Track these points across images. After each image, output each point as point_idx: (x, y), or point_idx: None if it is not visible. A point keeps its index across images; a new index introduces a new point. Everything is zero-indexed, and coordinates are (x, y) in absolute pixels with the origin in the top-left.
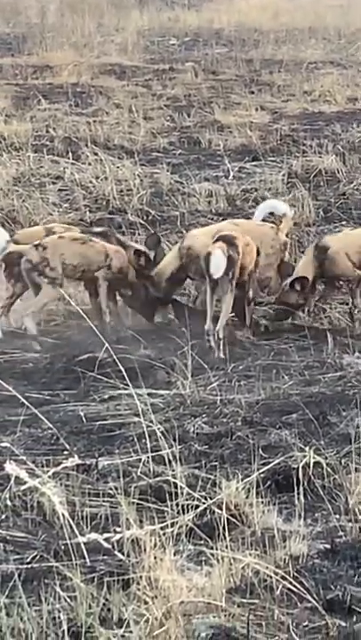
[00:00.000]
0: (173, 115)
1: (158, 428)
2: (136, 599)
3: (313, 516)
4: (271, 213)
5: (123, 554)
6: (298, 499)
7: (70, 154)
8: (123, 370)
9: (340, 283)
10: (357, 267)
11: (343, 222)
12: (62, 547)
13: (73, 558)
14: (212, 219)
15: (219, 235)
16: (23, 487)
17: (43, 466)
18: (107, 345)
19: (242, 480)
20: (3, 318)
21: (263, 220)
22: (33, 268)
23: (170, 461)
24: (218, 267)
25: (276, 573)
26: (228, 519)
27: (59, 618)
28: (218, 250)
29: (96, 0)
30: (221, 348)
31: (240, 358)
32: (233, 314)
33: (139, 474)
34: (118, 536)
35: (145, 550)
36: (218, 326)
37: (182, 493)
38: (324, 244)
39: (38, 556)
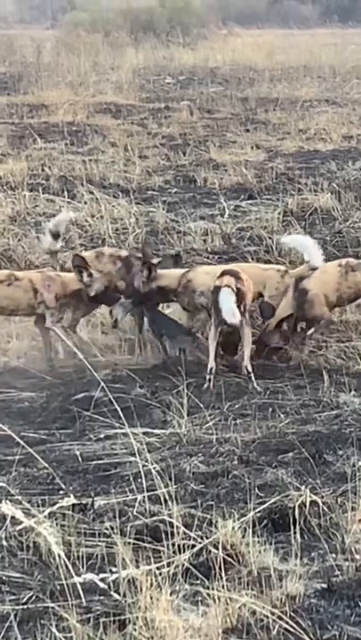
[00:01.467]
0: (169, 153)
1: (154, 468)
2: None
3: (309, 556)
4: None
5: (119, 594)
6: (294, 538)
7: (66, 192)
8: (119, 409)
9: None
10: (336, 304)
11: None
12: (58, 587)
13: (69, 599)
14: (207, 257)
15: (223, 270)
16: (19, 527)
17: (38, 505)
18: (102, 384)
19: (238, 519)
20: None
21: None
22: None
23: (166, 501)
24: (230, 311)
25: (273, 613)
26: (224, 559)
27: None
28: (226, 288)
29: (91, 39)
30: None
31: (236, 397)
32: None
33: (135, 513)
34: (114, 576)
35: (141, 590)
36: (245, 362)
37: (178, 533)
38: (303, 287)
39: (34, 597)
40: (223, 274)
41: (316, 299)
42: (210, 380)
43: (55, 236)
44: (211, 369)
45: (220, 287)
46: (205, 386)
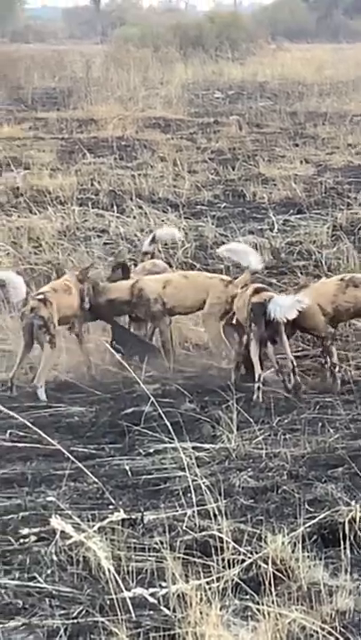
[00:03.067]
0: (218, 168)
1: (204, 482)
2: None
3: (360, 571)
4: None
5: (168, 609)
6: (344, 553)
7: (115, 207)
8: (168, 423)
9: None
10: (332, 316)
11: None
12: (108, 601)
13: (119, 613)
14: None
15: (258, 286)
16: (69, 542)
17: (88, 520)
18: (152, 399)
19: (288, 534)
20: None
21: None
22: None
23: (215, 515)
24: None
25: (323, 629)
26: (274, 574)
27: None
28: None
29: (141, 54)
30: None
31: (285, 412)
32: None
33: (184, 528)
34: (164, 591)
35: (191, 605)
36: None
37: (228, 548)
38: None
39: (84, 611)
40: (260, 290)
41: (310, 309)
42: (259, 387)
43: (153, 240)
44: (259, 376)
45: (263, 302)
46: (255, 396)
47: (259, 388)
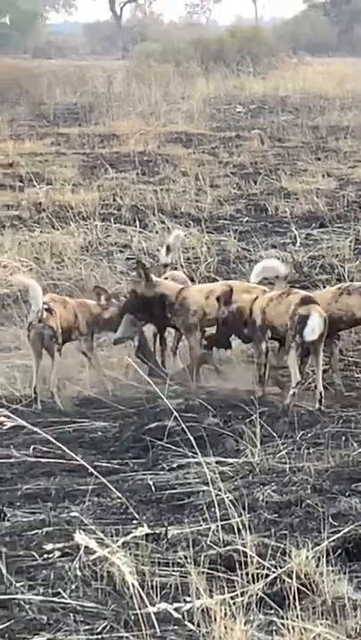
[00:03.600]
0: (240, 182)
1: (227, 497)
2: None
3: None
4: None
5: (193, 624)
6: None
7: (137, 222)
8: (191, 438)
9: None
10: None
11: None
12: (132, 617)
13: (143, 628)
14: None
15: (306, 296)
16: (93, 557)
17: (112, 535)
18: (175, 413)
19: (312, 549)
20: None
21: (260, 282)
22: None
23: (239, 530)
24: (314, 330)
25: None
26: (298, 588)
27: None
28: (316, 313)
29: (162, 69)
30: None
31: (309, 426)
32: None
33: (208, 543)
34: (188, 606)
35: (215, 620)
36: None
37: (252, 562)
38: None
39: (108, 627)
40: (306, 302)
41: None
42: (294, 394)
43: (168, 250)
44: (298, 382)
45: (308, 314)
46: (287, 401)
47: (294, 394)
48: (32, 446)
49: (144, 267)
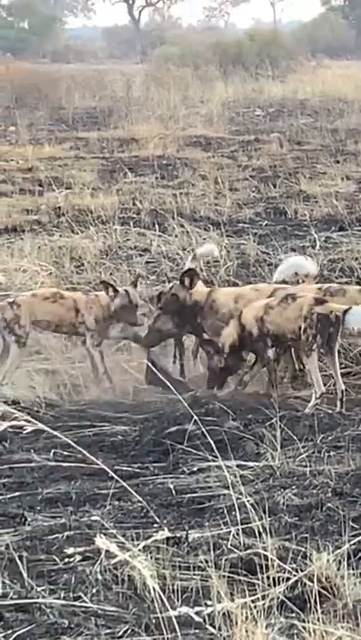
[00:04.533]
0: (259, 185)
1: (248, 500)
2: None
3: None
4: (296, 273)
5: (214, 627)
6: None
7: (157, 226)
8: (212, 442)
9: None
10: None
11: None
12: (153, 620)
13: (164, 632)
14: None
15: (315, 296)
16: (113, 561)
17: (133, 539)
18: (195, 417)
19: (333, 552)
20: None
21: (284, 282)
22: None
23: (260, 533)
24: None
25: None
26: (319, 591)
27: None
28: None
29: (181, 73)
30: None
31: (329, 429)
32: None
33: (229, 546)
34: (209, 609)
35: (236, 624)
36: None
37: (273, 566)
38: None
39: (129, 630)
40: (321, 302)
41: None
42: (321, 394)
43: (194, 258)
44: (322, 394)
45: (329, 313)
46: (309, 410)
47: (319, 396)
48: (52, 450)
49: (195, 274)
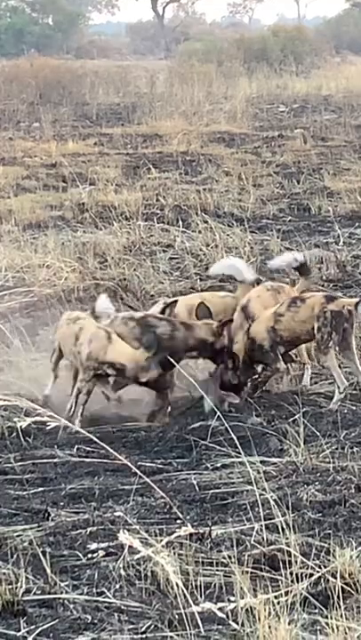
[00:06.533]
0: (283, 181)
1: (271, 496)
2: None
3: None
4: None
5: (237, 623)
6: None
7: (180, 222)
8: (235, 438)
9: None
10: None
11: None
12: (176, 616)
13: (187, 628)
14: (322, 285)
15: (327, 294)
16: (137, 556)
17: (156, 535)
18: (218, 413)
19: (356, 548)
20: None
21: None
22: None
23: (283, 529)
24: None
25: None
26: (342, 587)
27: None
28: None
29: (205, 69)
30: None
31: (353, 425)
32: None
33: (252, 542)
34: (232, 605)
35: (259, 619)
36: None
37: (296, 562)
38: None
39: (153, 626)
40: (332, 299)
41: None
42: (343, 390)
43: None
44: (345, 387)
45: (342, 309)
46: (333, 406)
47: (343, 391)
48: (76, 446)
49: (224, 326)
